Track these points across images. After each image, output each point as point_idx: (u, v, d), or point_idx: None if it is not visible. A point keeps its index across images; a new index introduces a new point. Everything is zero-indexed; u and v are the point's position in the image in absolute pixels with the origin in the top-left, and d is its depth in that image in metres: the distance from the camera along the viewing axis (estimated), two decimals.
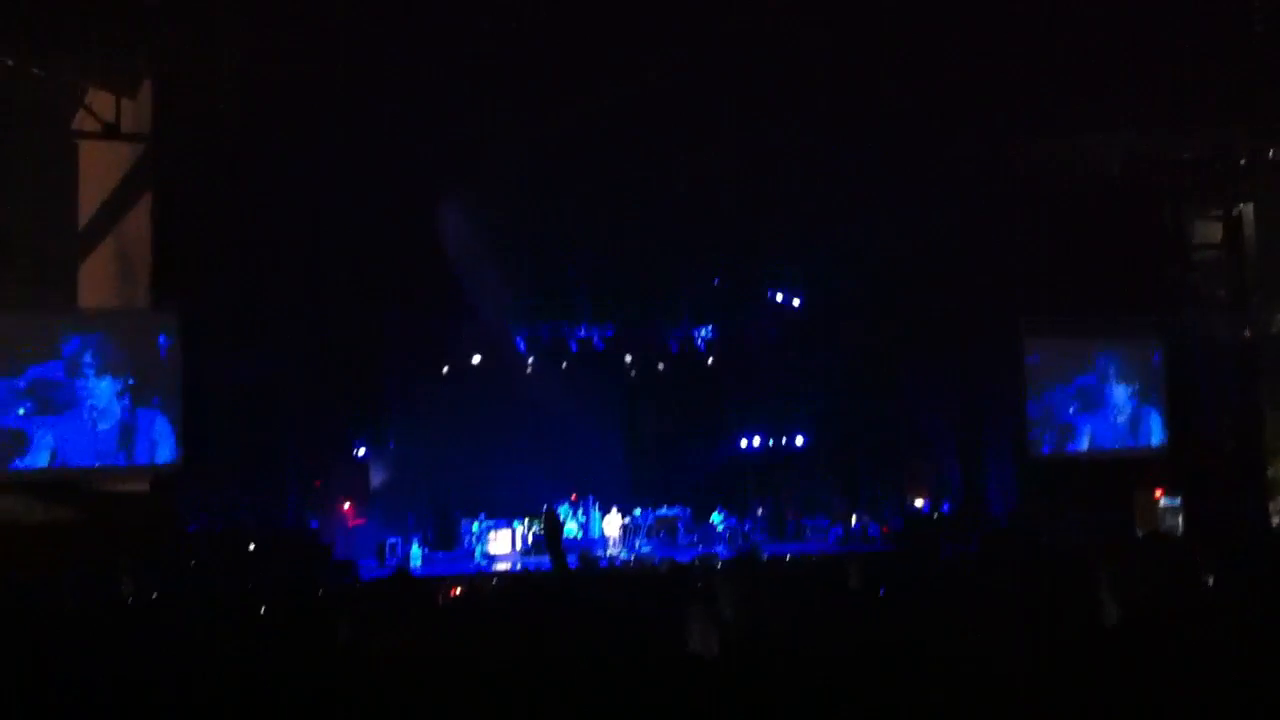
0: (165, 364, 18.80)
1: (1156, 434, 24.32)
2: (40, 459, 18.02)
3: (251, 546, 19.70)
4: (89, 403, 18.30)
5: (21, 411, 17.87)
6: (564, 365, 25.46)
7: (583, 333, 25.27)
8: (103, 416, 18.39)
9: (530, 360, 25.11)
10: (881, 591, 10.97)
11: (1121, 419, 24.25)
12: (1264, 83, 20.08)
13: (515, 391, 24.77)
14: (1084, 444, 24.03)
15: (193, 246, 18.61)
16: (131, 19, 16.24)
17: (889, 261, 23.05)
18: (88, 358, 18.25)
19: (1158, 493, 23.46)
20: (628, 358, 26.03)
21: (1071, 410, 23.99)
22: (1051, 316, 23.09)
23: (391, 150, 18.67)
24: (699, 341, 26.33)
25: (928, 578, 14.12)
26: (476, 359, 24.41)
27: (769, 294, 25.99)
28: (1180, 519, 23.14)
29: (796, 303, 26.00)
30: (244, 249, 19.28)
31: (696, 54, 17.12)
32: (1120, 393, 24.24)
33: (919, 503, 25.28)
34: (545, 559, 21.69)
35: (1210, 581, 11.82)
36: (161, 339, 18.79)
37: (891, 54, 17.45)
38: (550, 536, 20.30)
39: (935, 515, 24.70)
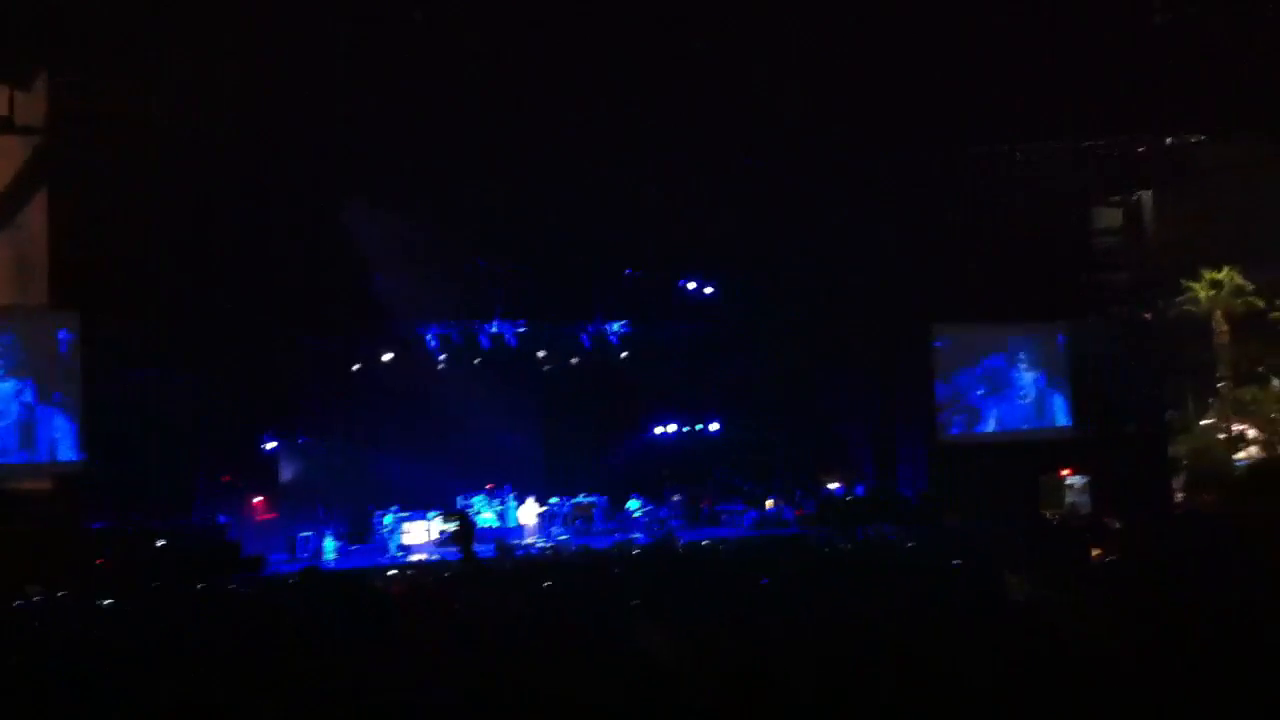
0: (66, 360, 18.48)
1: (1061, 416, 24.82)
2: None
3: (160, 543, 19.46)
4: None
5: None
6: (476, 361, 25.34)
7: (494, 329, 25.17)
8: (3, 413, 18.04)
9: (442, 357, 24.97)
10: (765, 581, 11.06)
11: (1027, 401, 24.72)
12: (1165, 76, 20.50)
13: (427, 387, 24.61)
14: (990, 425, 24.49)
15: (91, 242, 18.28)
16: (26, 7, 15.84)
17: (801, 254, 23.38)
18: None
19: (1065, 471, 23.91)
20: (541, 353, 25.99)
21: (980, 393, 24.43)
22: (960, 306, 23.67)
23: (299, 144, 18.47)
24: (611, 336, 26.36)
25: (839, 560, 14.36)
26: (387, 357, 24.23)
27: (680, 284, 26.10)
28: (1087, 498, 23.59)
29: (709, 291, 26.14)
30: (144, 244, 18.96)
31: (617, 54, 17.12)
32: (1026, 376, 24.71)
33: (833, 486, 25.57)
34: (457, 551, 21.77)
35: (1114, 559, 12.17)
36: (62, 335, 18.49)
37: (810, 62, 17.60)
38: (462, 535, 20.38)
39: (849, 498, 25.00)
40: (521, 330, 25.46)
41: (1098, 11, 18.47)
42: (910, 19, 16.76)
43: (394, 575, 17.70)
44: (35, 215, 18.44)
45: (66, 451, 18.45)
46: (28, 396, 18.21)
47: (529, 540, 23.56)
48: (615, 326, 26.26)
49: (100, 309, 18.46)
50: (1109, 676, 6.74)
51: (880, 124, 19.96)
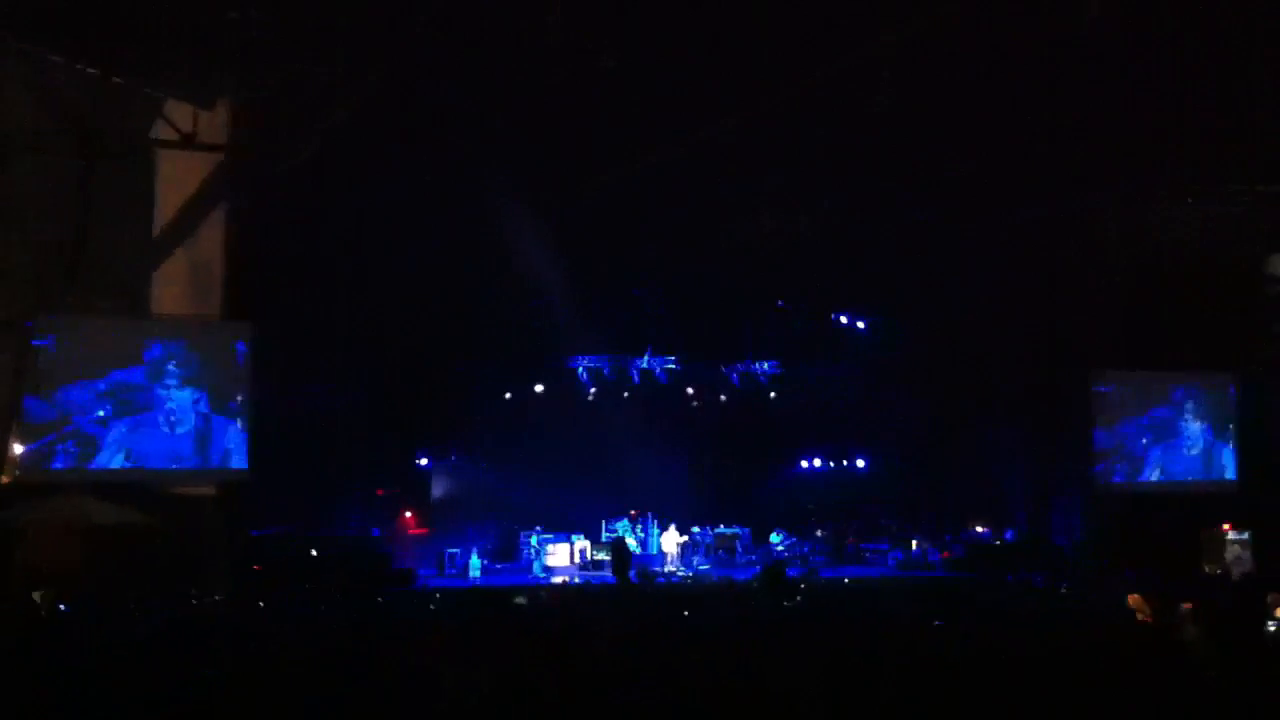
0: (241, 371, 19.09)
1: (1229, 469, 23.98)
2: (116, 460, 18.31)
3: (314, 553, 19.97)
4: (167, 407, 18.58)
5: (101, 414, 18.20)
6: (625, 395, 25.54)
7: (645, 364, 25.35)
8: (180, 421, 18.68)
9: (592, 390, 25.21)
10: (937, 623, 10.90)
11: (1194, 452, 23.93)
12: None
13: (576, 416, 24.87)
14: (1154, 475, 23.74)
15: (266, 258, 18.90)
16: (212, 33, 16.44)
17: (958, 293, 23.09)
18: (169, 364, 18.56)
19: (1226, 526, 23.06)
20: (689, 390, 26.05)
21: (1144, 441, 23.73)
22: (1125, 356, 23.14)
23: (465, 176, 18.86)
24: (761, 376, 26.32)
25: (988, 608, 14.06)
26: (539, 388, 24.58)
27: (834, 317, 25.94)
28: (1248, 554, 22.71)
29: (861, 325, 25.93)
30: (316, 261, 19.57)
31: (772, 101, 17.13)
32: (1194, 426, 23.94)
33: (980, 529, 25.05)
34: (599, 574, 21.93)
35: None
36: (239, 346, 19.10)
37: (976, 106, 17.40)
38: (618, 563, 20.63)
39: (998, 542, 24.47)
40: (671, 367, 25.58)
41: (1273, 54, 17.85)
42: (1078, 63, 16.41)
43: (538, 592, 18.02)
44: (212, 230, 19.11)
45: (238, 460, 18.97)
46: (204, 406, 18.81)
47: (670, 568, 23.60)
48: (765, 366, 26.21)
49: (272, 323, 19.04)
50: None
51: (1047, 167, 19.58)
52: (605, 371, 25.28)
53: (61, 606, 13.64)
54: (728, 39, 15.08)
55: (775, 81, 16.19)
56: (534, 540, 23.55)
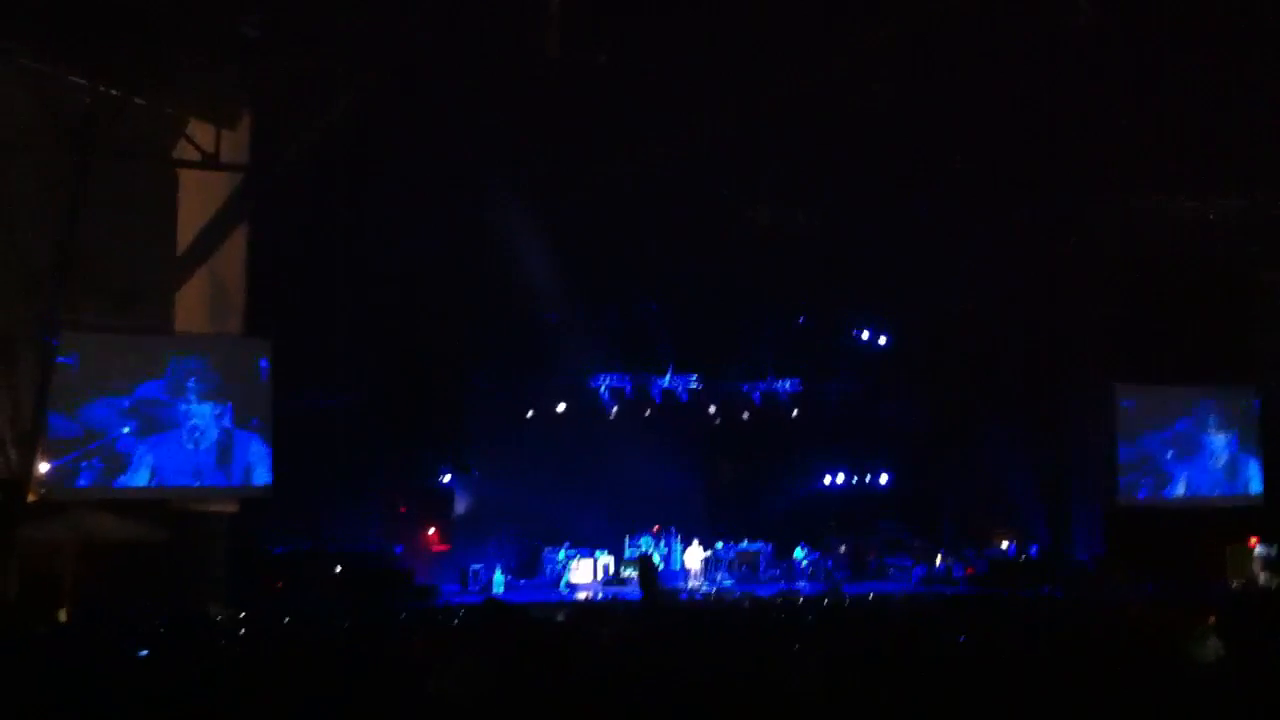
0: (264, 387, 19.22)
1: (1255, 482, 23.77)
2: (140, 477, 18.47)
3: (337, 569, 20.02)
4: (190, 422, 18.74)
5: (127, 430, 18.36)
6: (647, 413, 25.56)
7: (666, 383, 25.37)
8: (203, 436, 18.80)
9: (614, 408, 25.24)
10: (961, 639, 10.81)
11: (1219, 465, 23.74)
12: None
13: (598, 433, 24.89)
14: (1180, 490, 23.56)
15: (287, 276, 19.04)
16: (233, 54, 16.64)
17: (978, 308, 23.01)
18: (191, 380, 18.73)
19: (1252, 540, 22.86)
20: (711, 408, 26.06)
21: (1169, 456, 23.55)
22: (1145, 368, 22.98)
23: (483, 196, 18.98)
24: (783, 395, 26.30)
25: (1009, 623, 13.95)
26: (561, 407, 24.64)
27: (854, 333, 25.92)
28: (1275, 567, 22.50)
29: (882, 340, 25.88)
30: (338, 279, 19.72)
31: (785, 110, 17.18)
32: (1218, 439, 23.75)
33: (1004, 545, 24.91)
34: (621, 590, 21.87)
35: None
36: (262, 363, 19.23)
37: (991, 113, 17.41)
38: (646, 578, 20.53)
39: (1022, 558, 24.33)
40: (693, 386, 25.59)
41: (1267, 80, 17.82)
42: (1096, 74, 16.41)
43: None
44: (234, 249, 19.27)
45: (261, 475, 19.11)
46: (227, 421, 18.94)
47: (692, 584, 23.53)
48: (786, 385, 26.19)
49: (294, 339, 19.17)
50: None
51: (1068, 178, 19.55)
52: (627, 391, 25.32)
53: (78, 620, 13.72)
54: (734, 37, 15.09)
55: (776, 80, 16.19)
56: (561, 555, 23.54)
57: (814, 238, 21.85)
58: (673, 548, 24.53)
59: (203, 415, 18.81)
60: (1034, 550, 24.40)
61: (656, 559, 23.98)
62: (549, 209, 19.90)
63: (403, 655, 9.74)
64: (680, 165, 18.63)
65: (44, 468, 17.83)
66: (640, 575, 21.27)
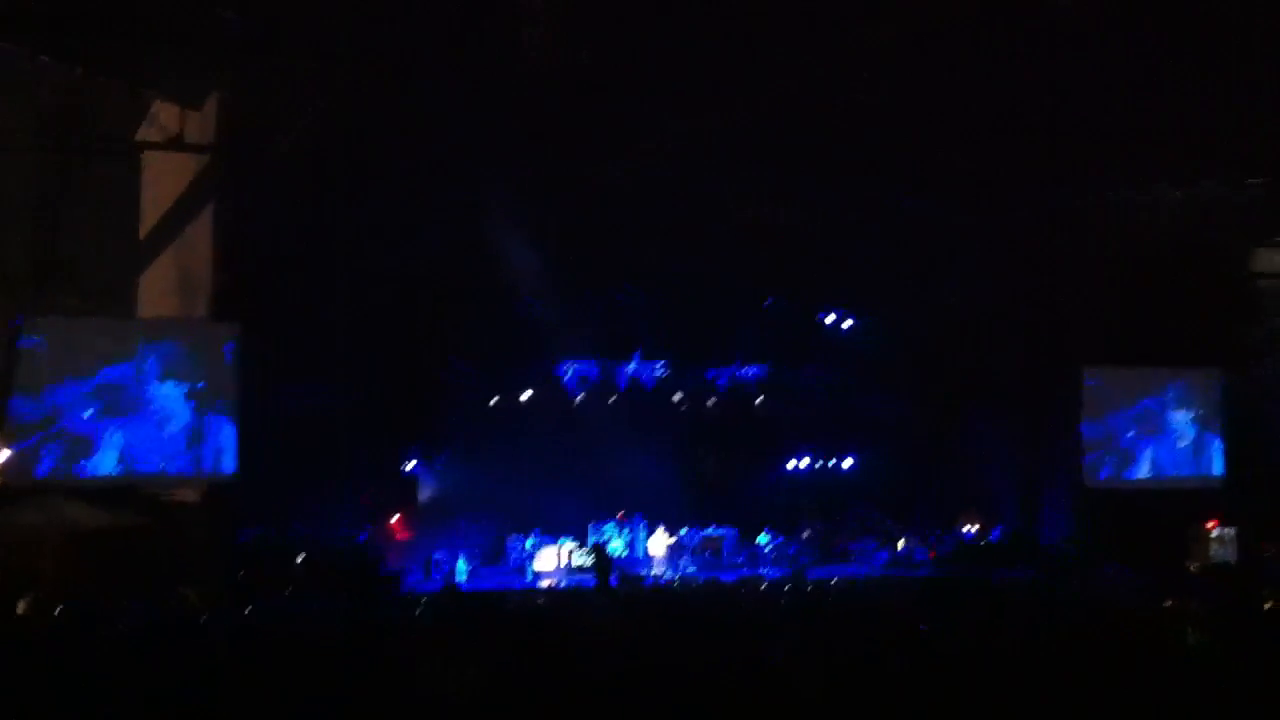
0: (231, 371, 19.01)
1: (1216, 464, 24.06)
2: (107, 462, 18.21)
3: (301, 557, 19.84)
4: (157, 405, 18.48)
5: (89, 414, 18.07)
6: (612, 400, 25.50)
7: (632, 370, 25.31)
8: (171, 419, 18.56)
9: (579, 396, 25.16)
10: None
11: (1183, 445, 24.02)
12: None
13: (563, 419, 24.81)
14: (1144, 470, 23.83)
15: (254, 259, 18.78)
16: (200, 31, 16.37)
17: (946, 290, 23.11)
18: (154, 363, 18.46)
19: (1211, 523, 23.15)
20: (677, 395, 26.03)
21: (1131, 435, 23.79)
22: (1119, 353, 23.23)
23: (452, 181, 18.83)
24: (750, 381, 26.30)
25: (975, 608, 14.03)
26: (526, 395, 24.53)
27: (820, 317, 25.94)
28: (1234, 551, 22.80)
29: (848, 324, 25.93)
30: (304, 263, 19.46)
31: (755, 99, 17.16)
32: (1182, 419, 24.02)
33: (969, 528, 25.07)
34: (586, 578, 21.88)
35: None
36: (229, 347, 18.98)
37: (967, 100, 17.48)
38: (599, 567, 20.57)
39: (984, 542, 24.50)
40: (659, 374, 25.54)
41: (1254, 50, 17.99)
42: (1068, 60, 16.52)
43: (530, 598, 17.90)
44: (200, 231, 19.01)
45: (228, 461, 18.92)
46: (195, 404, 18.71)
47: (656, 571, 23.51)
48: (751, 371, 26.20)
49: (260, 324, 18.94)
50: None
51: (1035, 163, 19.68)
52: (592, 377, 25.23)
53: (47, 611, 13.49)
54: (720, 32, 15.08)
55: (764, 74, 16.20)
56: (528, 544, 23.44)
57: (790, 226, 21.84)
58: (637, 534, 24.52)
59: (168, 397, 18.55)
60: (995, 533, 24.57)
61: (621, 545, 24.02)
62: (522, 197, 19.75)
63: (379, 649, 9.69)
64: (669, 163, 18.57)
65: (4, 454, 17.56)
66: (595, 564, 21.35)
